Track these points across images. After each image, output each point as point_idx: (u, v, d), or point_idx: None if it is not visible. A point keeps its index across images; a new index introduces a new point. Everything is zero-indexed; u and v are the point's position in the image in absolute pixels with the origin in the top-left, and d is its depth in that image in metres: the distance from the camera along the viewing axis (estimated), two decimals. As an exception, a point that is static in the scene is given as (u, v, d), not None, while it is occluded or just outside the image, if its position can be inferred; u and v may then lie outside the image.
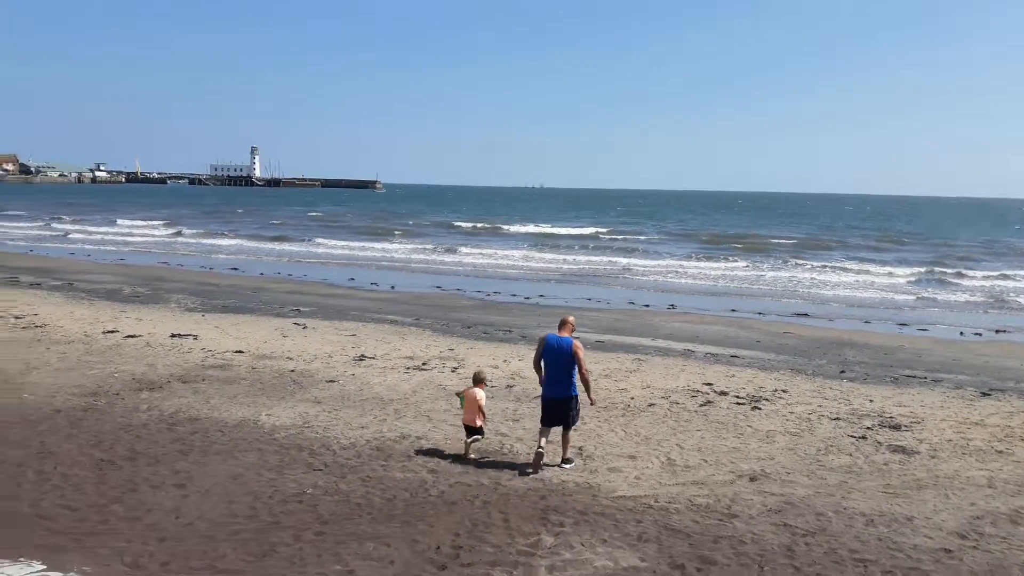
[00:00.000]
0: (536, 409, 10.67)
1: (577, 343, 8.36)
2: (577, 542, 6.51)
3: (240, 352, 14.03)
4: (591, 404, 8.76)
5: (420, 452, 8.80)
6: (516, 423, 10.12)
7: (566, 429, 8.47)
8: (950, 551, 6.57)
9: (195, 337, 15.32)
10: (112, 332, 15.56)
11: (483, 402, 8.82)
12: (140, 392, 11.04)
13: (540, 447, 8.27)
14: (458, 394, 9.44)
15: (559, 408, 8.38)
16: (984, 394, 12.78)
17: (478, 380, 9.04)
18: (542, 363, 8.47)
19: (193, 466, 8.12)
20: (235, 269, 32.08)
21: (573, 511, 7.20)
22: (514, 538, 6.57)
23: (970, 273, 35.54)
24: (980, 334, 20.10)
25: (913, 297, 27.99)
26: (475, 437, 8.76)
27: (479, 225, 64.03)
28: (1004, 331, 20.75)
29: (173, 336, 15.33)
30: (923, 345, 18.11)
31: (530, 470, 8.24)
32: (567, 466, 8.43)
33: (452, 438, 9.30)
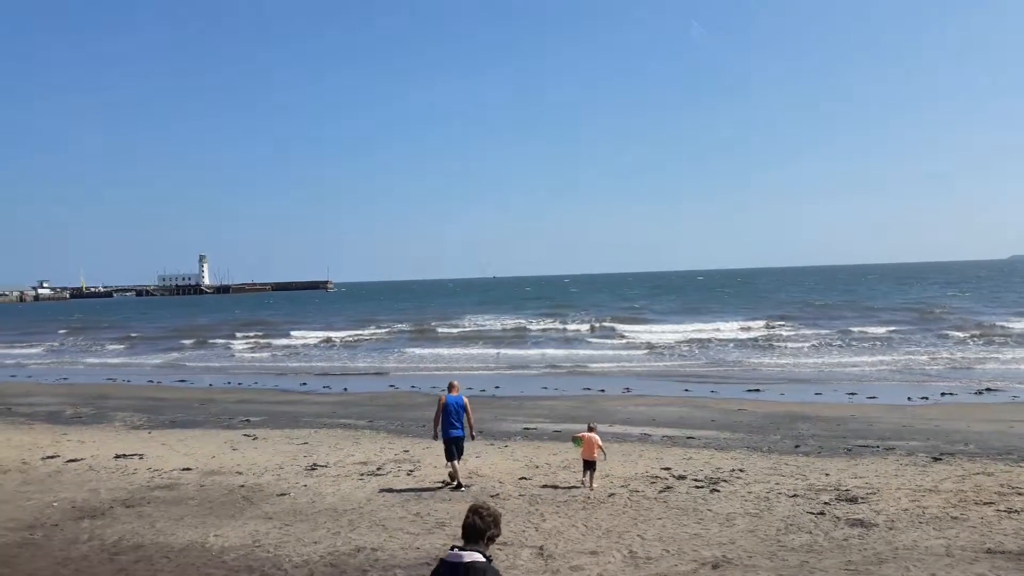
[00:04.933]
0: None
1: (466, 399, 12.13)
2: (540, 649, 6.31)
3: (188, 469, 13.58)
4: (472, 439, 12.23)
5: (375, 565, 8.52)
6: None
7: (459, 457, 11.91)
8: (914, 627, 6.52)
9: (141, 456, 14.82)
10: (52, 458, 14.96)
11: (599, 441, 11.71)
12: (81, 521, 10.56)
13: (452, 470, 11.83)
14: (574, 438, 11.87)
15: (459, 443, 11.86)
16: (935, 459, 12.96)
17: (591, 428, 11.87)
18: (442, 416, 11.87)
19: (136, 598, 7.72)
20: (183, 381, 31.37)
21: (535, 616, 7.00)
22: (475, 651, 6.33)
23: (913, 338, 36.55)
24: (927, 398, 20.50)
25: (860, 367, 28.56)
26: (591, 472, 11.59)
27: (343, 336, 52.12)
28: (950, 393, 21.21)
29: (117, 457, 14.81)
30: (873, 413, 18.39)
31: (454, 484, 11.73)
32: (463, 490, 11.60)
33: (409, 547, 9.06)
